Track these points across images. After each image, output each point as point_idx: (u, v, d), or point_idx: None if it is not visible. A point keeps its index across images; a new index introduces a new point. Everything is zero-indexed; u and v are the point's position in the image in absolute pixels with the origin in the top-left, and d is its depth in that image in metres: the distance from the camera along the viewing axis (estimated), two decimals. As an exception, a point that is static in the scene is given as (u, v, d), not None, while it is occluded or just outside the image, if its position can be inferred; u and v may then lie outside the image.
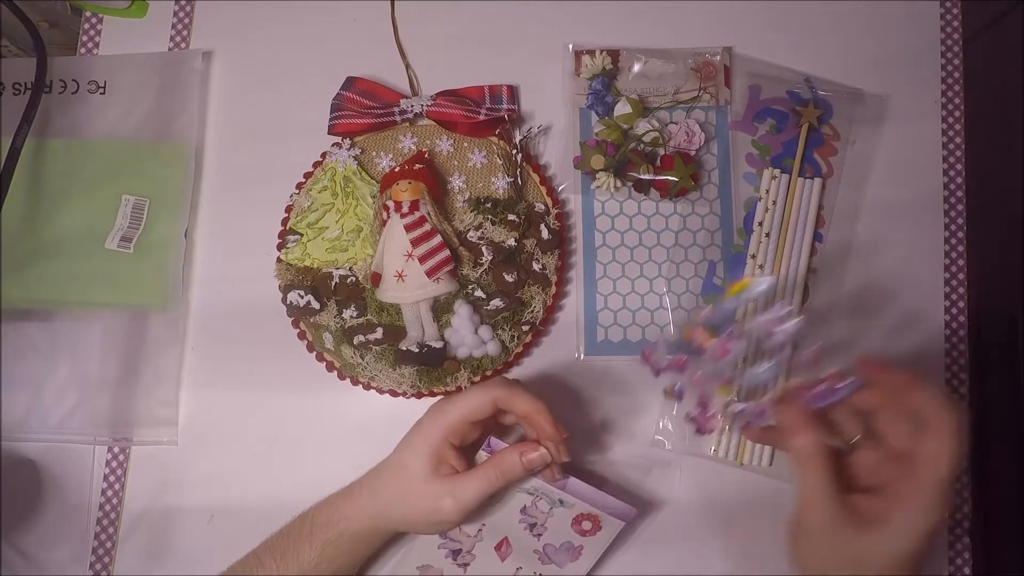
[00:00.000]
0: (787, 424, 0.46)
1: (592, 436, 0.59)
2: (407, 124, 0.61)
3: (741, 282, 0.49)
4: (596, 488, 0.51)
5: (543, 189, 0.60)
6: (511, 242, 0.58)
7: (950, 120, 0.62)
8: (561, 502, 0.51)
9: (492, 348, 0.57)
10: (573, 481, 0.51)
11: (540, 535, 0.53)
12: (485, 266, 0.58)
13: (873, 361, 0.46)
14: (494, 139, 0.60)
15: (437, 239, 0.56)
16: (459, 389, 0.58)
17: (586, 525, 0.52)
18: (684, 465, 0.58)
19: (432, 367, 0.57)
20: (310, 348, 0.59)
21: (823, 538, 0.43)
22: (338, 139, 0.61)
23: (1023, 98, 0.96)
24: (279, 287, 0.59)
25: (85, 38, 0.65)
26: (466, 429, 0.51)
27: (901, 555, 0.42)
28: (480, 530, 0.54)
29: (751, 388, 0.55)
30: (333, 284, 0.58)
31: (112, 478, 0.60)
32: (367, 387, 0.59)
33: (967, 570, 0.57)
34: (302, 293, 0.58)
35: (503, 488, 0.50)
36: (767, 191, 0.60)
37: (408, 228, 0.56)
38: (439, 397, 0.58)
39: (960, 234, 0.60)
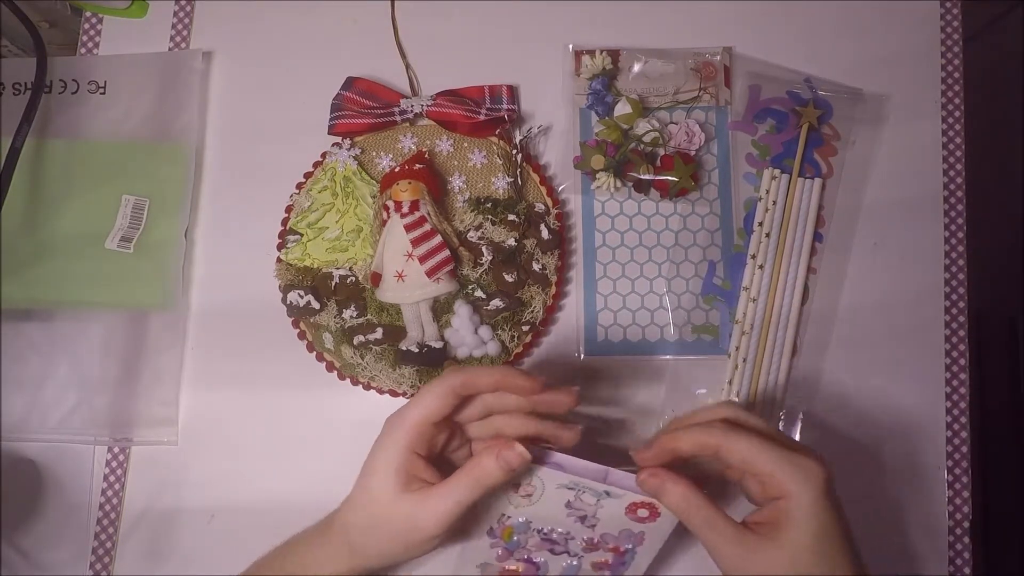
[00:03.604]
0: (651, 489, 0.44)
1: (591, 436, 0.59)
2: (407, 124, 0.61)
3: (507, 528, 0.49)
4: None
5: (543, 189, 0.60)
6: (511, 242, 0.58)
7: (950, 120, 0.62)
8: (607, 493, 0.46)
9: (492, 348, 0.57)
10: (614, 472, 0.46)
11: (594, 525, 0.48)
12: (485, 266, 0.58)
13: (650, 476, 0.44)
14: (494, 139, 0.60)
15: (437, 239, 0.56)
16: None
17: (642, 512, 0.47)
18: (683, 465, 0.58)
19: (432, 367, 0.57)
20: (310, 348, 0.59)
21: (741, 567, 0.42)
22: (338, 139, 0.61)
23: (1023, 98, 0.96)
24: (279, 287, 0.59)
25: (85, 38, 0.65)
26: (430, 433, 0.45)
27: (807, 557, 0.41)
28: (530, 525, 0.50)
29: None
30: (333, 284, 0.58)
31: (112, 478, 0.60)
32: (367, 387, 0.59)
33: (967, 570, 0.57)
34: (302, 293, 0.58)
35: (485, 494, 0.44)
36: (767, 191, 0.60)
37: (408, 228, 0.56)
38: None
39: (960, 234, 0.60)
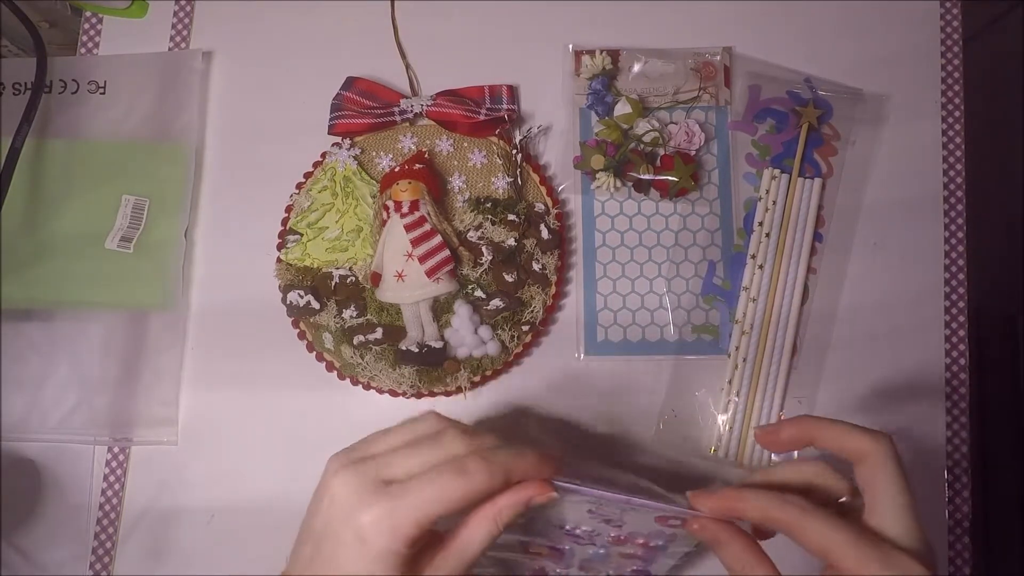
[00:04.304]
0: (704, 539, 0.40)
1: (591, 436, 0.59)
2: (407, 124, 0.61)
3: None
4: (660, 500, 0.41)
5: (543, 189, 0.60)
6: (511, 242, 0.58)
7: (950, 120, 0.62)
8: (632, 509, 0.43)
9: (492, 348, 0.57)
10: (635, 500, 0.41)
11: (620, 526, 0.44)
12: (485, 266, 0.58)
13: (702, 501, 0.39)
14: (494, 139, 0.60)
15: (437, 239, 0.56)
16: (459, 389, 0.58)
17: (674, 523, 0.43)
18: (683, 466, 0.58)
19: (432, 367, 0.57)
20: (310, 348, 0.59)
21: None
22: (338, 139, 0.61)
23: (1023, 98, 0.96)
24: (279, 287, 0.59)
25: (85, 38, 0.65)
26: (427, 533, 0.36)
27: None
28: (550, 522, 0.45)
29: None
30: (333, 284, 0.58)
31: (112, 478, 0.60)
32: (367, 387, 0.59)
33: (967, 570, 0.57)
34: (302, 293, 0.58)
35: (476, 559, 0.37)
36: (767, 191, 0.60)
37: (408, 228, 0.56)
38: (437, 398, 0.58)
39: (960, 234, 0.60)
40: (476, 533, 0.37)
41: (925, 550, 0.36)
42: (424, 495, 0.34)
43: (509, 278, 0.58)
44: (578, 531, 0.46)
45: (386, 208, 0.57)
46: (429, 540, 0.37)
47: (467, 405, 0.59)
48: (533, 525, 0.46)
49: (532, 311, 0.58)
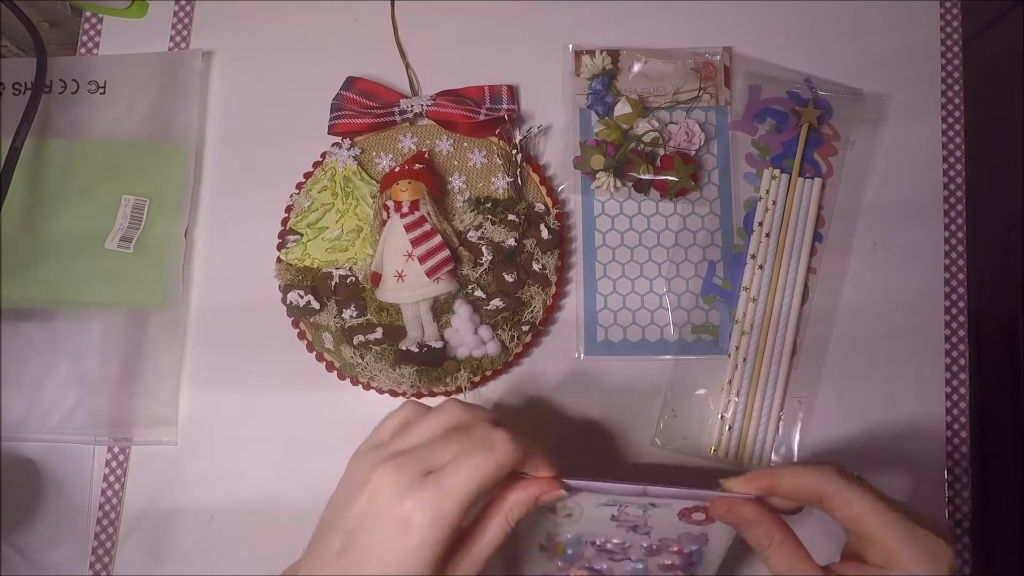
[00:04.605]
0: (729, 520, 0.41)
1: (591, 436, 0.59)
2: (407, 124, 0.61)
3: (558, 545, 0.45)
4: (680, 487, 0.42)
5: (543, 189, 0.60)
6: (511, 242, 0.58)
7: (950, 120, 0.62)
8: (652, 504, 0.42)
9: (492, 348, 0.57)
10: (652, 488, 0.42)
11: (648, 532, 0.44)
12: (485, 266, 0.58)
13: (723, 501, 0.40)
14: (494, 139, 0.60)
15: (437, 239, 0.56)
16: (459, 389, 0.58)
17: (698, 516, 0.43)
18: (683, 466, 0.58)
19: (432, 367, 0.57)
20: (310, 348, 0.59)
21: None
22: (338, 139, 0.61)
23: (1023, 98, 0.96)
24: (279, 287, 0.59)
25: (85, 38, 0.65)
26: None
27: None
28: (581, 538, 0.45)
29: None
30: (333, 284, 0.58)
31: (112, 478, 0.60)
32: (367, 387, 0.59)
33: (967, 570, 0.57)
34: (302, 293, 0.58)
35: (499, 546, 0.39)
36: (767, 191, 0.60)
37: (408, 228, 0.56)
38: (440, 397, 0.58)
39: (960, 234, 0.60)
40: (489, 532, 0.38)
41: (942, 532, 0.37)
42: (461, 477, 0.36)
43: (509, 278, 0.58)
44: (609, 545, 0.46)
45: (386, 208, 0.57)
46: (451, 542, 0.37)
47: (467, 405, 0.59)
48: (567, 546, 0.46)
49: (532, 311, 0.58)
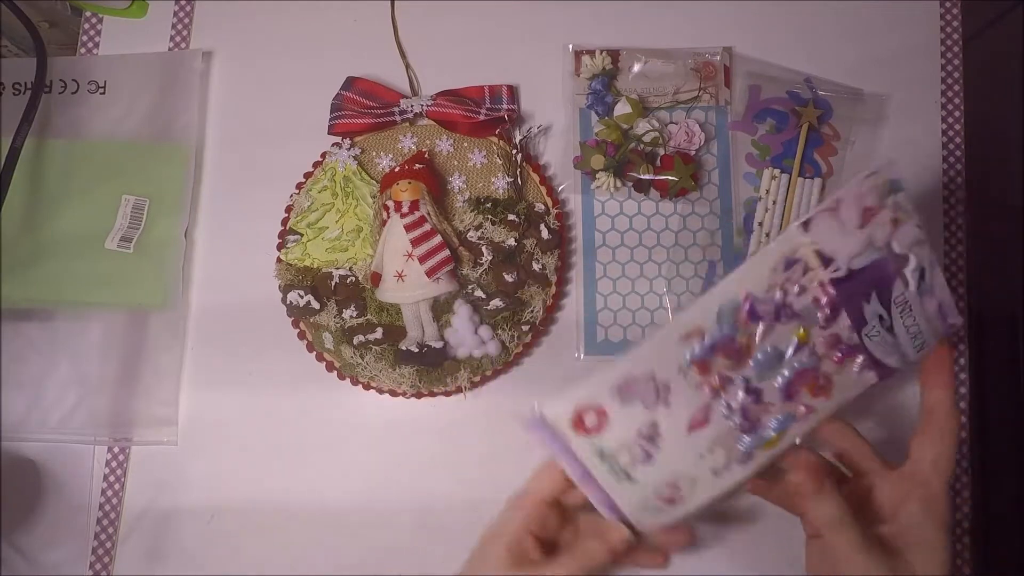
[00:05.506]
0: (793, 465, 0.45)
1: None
2: (407, 124, 0.61)
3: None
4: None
5: (543, 189, 0.60)
6: (511, 242, 0.58)
7: (950, 120, 0.62)
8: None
9: (492, 348, 0.57)
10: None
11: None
12: (485, 266, 0.58)
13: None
14: (494, 139, 0.60)
15: (437, 239, 0.56)
16: (459, 389, 0.58)
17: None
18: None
19: (432, 367, 0.57)
20: (310, 348, 0.59)
21: (852, 563, 0.43)
22: (338, 139, 0.61)
23: (1023, 98, 0.96)
24: (279, 287, 0.59)
25: (85, 38, 0.65)
26: (545, 513, 0.45)
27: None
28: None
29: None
30: (333, 284, 0.58)
31: (112, 478, 0.60)
32: (367, 387, 0.59)
33: (967, 570, 0.57)
34: (302, 293, 0.58)
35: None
36: (767, 191, 0.60)
37: (408, 228, 0.56)
38: (437, 398, 0.58)
39: (960, 234, 0.60)
40: (592, 548, 0.45)
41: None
42: (535, 478, 0.47)
43: (509, 278, 0.58)
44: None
45: (386, 208, 0.57)
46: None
47: (467, 405, 0.59)
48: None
49: (532, 311, 0.58)
